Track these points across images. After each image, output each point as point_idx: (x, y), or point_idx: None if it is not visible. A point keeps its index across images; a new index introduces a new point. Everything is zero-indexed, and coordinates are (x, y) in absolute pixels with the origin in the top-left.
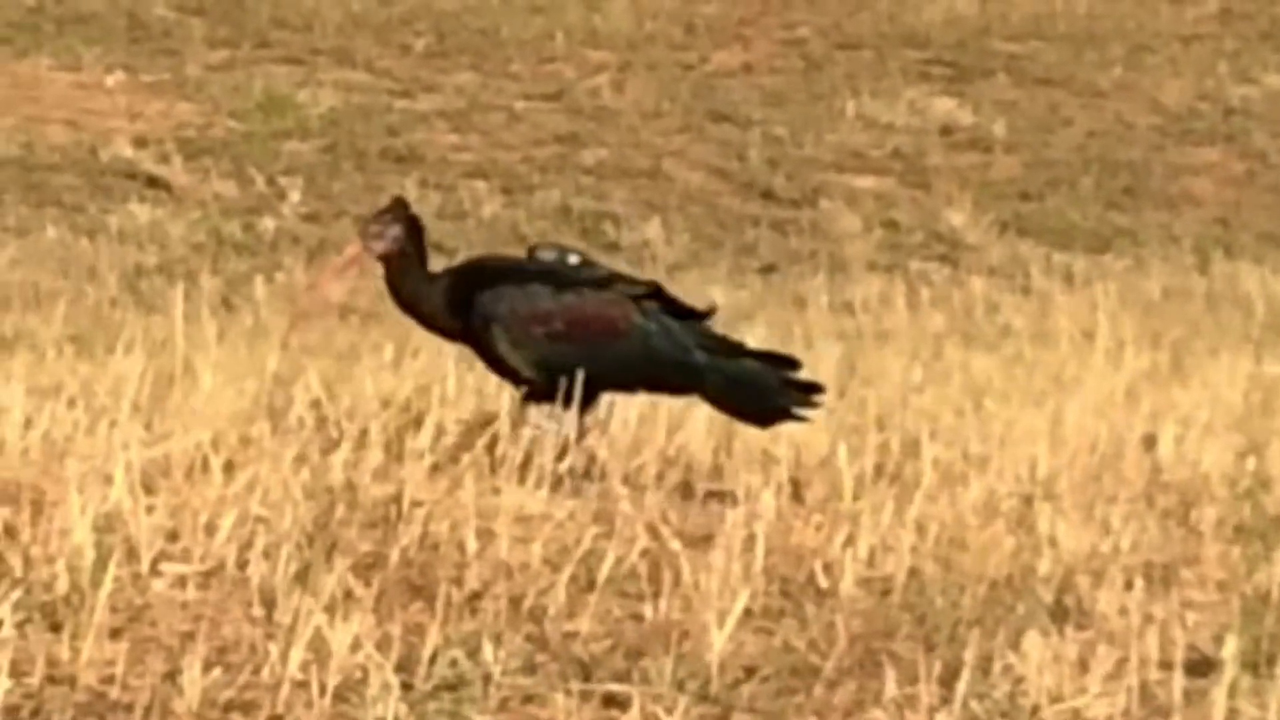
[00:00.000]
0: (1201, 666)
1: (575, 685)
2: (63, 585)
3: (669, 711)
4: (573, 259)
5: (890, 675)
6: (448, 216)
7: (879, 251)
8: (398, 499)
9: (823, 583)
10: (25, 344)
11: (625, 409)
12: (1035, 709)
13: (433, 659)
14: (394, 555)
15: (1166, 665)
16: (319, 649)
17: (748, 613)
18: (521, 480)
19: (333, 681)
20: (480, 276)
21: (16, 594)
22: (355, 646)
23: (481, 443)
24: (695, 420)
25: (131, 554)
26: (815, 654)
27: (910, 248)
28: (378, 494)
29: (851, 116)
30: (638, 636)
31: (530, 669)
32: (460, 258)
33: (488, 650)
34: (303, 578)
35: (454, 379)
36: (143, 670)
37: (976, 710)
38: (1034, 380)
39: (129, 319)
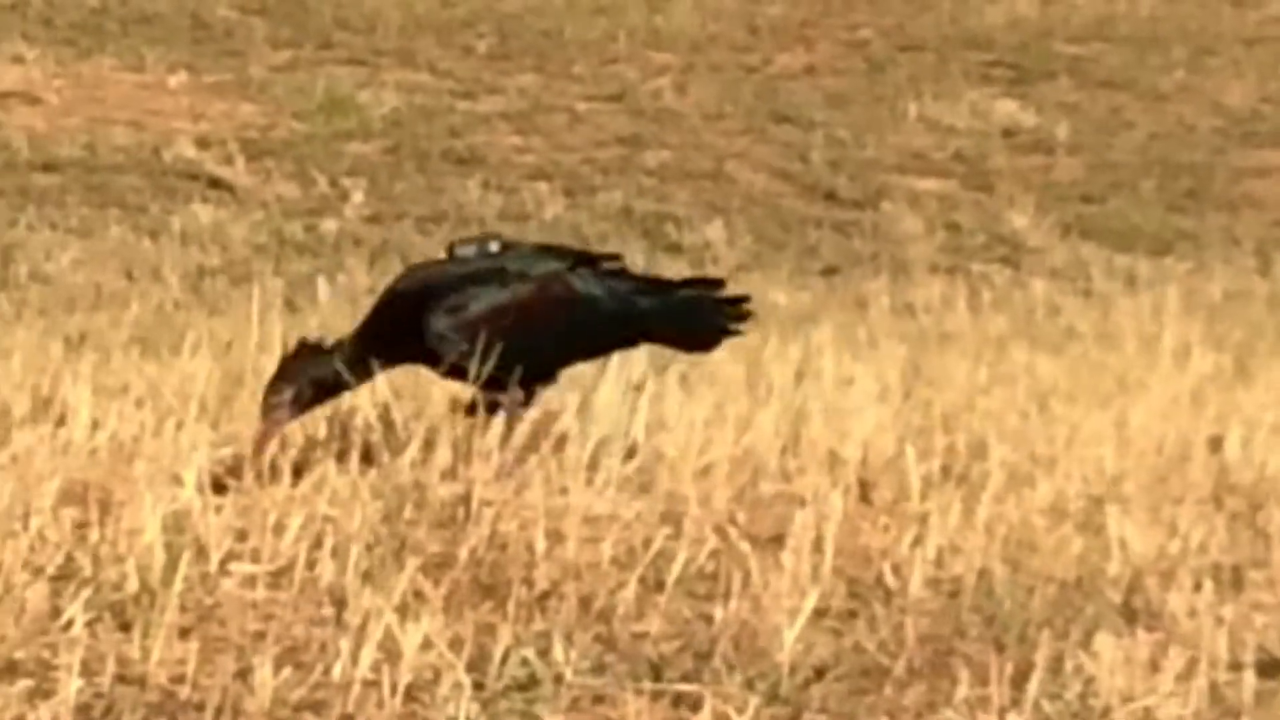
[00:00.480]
0: (1271, 668)
1: (646, 685)
2: (132, 585)
3: (740, 712)
4: (493, 246)
5: (962, 676)
6: (510, 218)
7: (941, 253)
8: (466, 499)
9: (891, 583)
10: (91, 345)
11: (692, 411)
12: (1107, 710)
13: (504, 659)
14: (463, 555)
15: (1236, 666)
16: (390, 649)
17: (817, 613)
18: (589, 481)
19: (404, 681)
20: (411, 299)
21: (86, 593)
22: (426, 646)
23: (548, 444)
24: (763, 421)
25: (201, 554)
26: (885, 655)
27: (972, 250)
28: (446, 494)
29: (914, 118)
30: (707, 637)
31: (600, 669)
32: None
33: (559, 650)
34: (372, 577)
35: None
36: (213, 670)
37: (1048, 711)
38: (1099, 382)
39: (193, 320)
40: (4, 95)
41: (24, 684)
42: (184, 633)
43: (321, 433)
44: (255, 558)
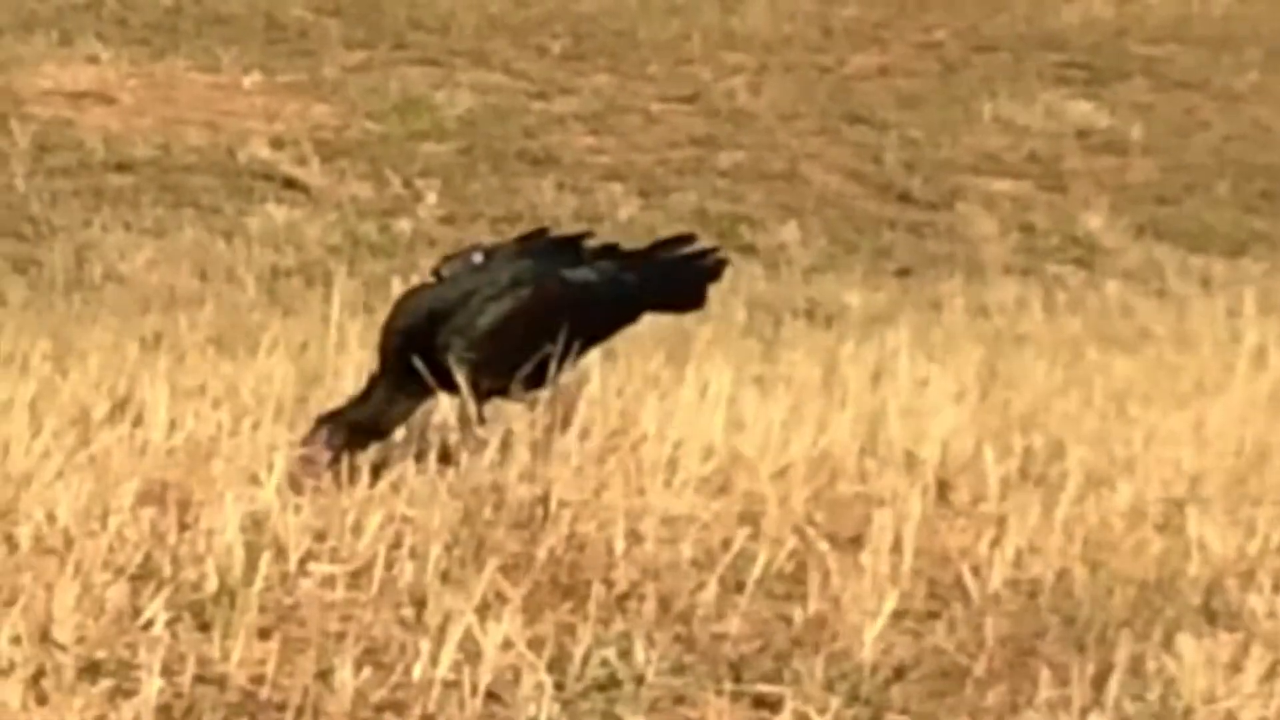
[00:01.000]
0: None
1: (726, 686)
2: (212, 585)
3: (821, 712)
4: (477, 258)
5: (1042, 677)
6: (584, 219)
7: (1015, 254)
8: (544, 500)
9: (971, 584)
10: (167, 345)
11: (769, 412)
12: (1188, 711)
13: (584, 659)
14: (541, 555)
15: None
16: (470, 649)
17: (896, 614)
18: (667, 482)
19: (484, 682)
20: (417, 330)
21: (166, 593)
22: (506, 646)
23: (626, 444)
24: (840, 422)
25: (279, 554)
26: (965, 655)
27: (1046, 251)
28: (524, 495)
29: (988, 119)
30: (787, 637)
31: (680, 670)
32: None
33: (639, 651)
34: (451, 578)
35: (598, 380)
36: (293, 670)
37: (1129, 711)
38: (1175, 383)
39: (268, 320)
40: (78, 95)
41: (105, 684)
42: (264, 633)
43: (399, 433)
44: (334, 558)
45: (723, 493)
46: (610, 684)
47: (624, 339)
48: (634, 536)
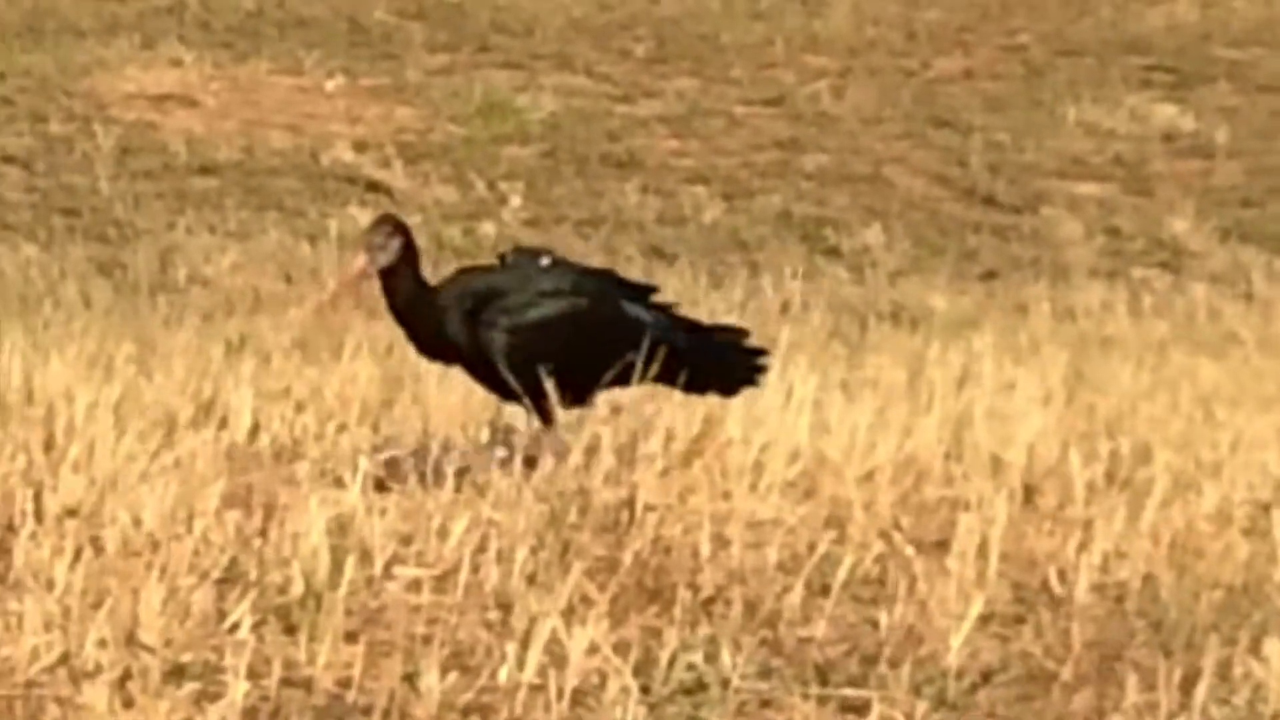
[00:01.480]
0: None
1: (812, 690)
2: (297, 588)
3: (907, 716)
4: (544, 261)
5: (1129, 681)
6: (668, 222)
7: (1101, 258)
8: (630, 503)
9: (1057, 589)
10: (251, 348)
11: (854, 416)
12: (1276, 715)
13: (670, 663)
14: (627, 559)
15: None
16: (555, 653)
17: (983, 618)
18: (753, 486)
19: (570, 685)
20: (473, 297)
21: (252, 596)
22: (592, 650)
23: (712, 448)
24: (925, 426)
25: (365, 557)
26: (1052, 660)
27: (1132, 254)
28: (609, 498)
29: (1073, 123)
30: (873, 642)
31: (767, 674)
32: (675, 264)
33: (725, 655)
34: (536, 581)
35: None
36: (379, 673)
37: (1216, 716)
38: (1261, 387)
39: (352, 323)
40: (162, 98)
41: (191, 687)
42: (350, 636)
43: (483, 437)
44: (420, 561)
45: (808, 497)
46: (696, 688)
47: None
48: (719, 540)
